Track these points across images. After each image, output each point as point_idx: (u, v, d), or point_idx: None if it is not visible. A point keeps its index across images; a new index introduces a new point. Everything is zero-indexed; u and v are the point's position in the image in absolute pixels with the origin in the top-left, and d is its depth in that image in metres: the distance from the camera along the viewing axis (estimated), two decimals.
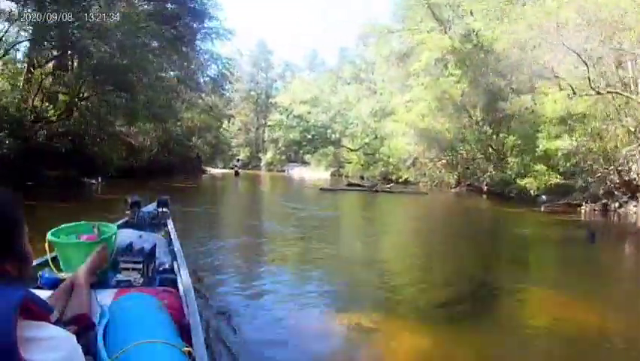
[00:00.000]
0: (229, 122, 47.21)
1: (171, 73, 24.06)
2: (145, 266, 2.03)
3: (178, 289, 1.95)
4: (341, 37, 74.06)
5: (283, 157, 50.59)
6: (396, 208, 14.11)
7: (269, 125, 49.82)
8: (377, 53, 32.48)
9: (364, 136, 35.25)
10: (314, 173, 39.87)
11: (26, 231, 0.95)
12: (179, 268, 2.24)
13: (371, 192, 18.21)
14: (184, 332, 1.56)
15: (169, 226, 3.28)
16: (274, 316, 3.09)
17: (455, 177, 22.14)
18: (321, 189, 18.11)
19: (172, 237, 2.96)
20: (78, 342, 0.90)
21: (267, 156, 51.95)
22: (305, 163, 47.19)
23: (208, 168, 34.98)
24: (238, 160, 39.40)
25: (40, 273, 1.94)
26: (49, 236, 2.07)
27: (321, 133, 40.57)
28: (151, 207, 3.72)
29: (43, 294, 1.37)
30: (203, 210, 9.97)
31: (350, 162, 36.96)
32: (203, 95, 29.15)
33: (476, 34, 18.89)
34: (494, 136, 19.29)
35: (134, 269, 1.99)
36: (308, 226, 8.11)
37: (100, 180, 14.64)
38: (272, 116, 49.23)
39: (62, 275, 1.91)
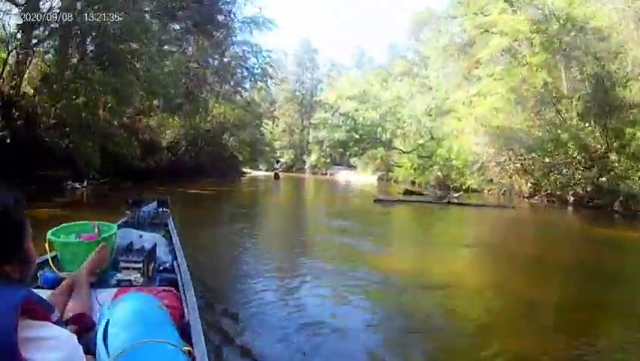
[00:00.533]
0: (273, 123, 49.68)
1: (203, 63, 24.66)
2: (145, 266, 2.30)
3: (178, 289, 2.20)
4: (390, 33, 78.74)
5: (328, 160, 52.49)
6: (486, 232, 10.80)
7: (312, 124, 51.80)
8: (432, 46, 33.38)
9: (418, 137, 35.24)
10: (360, 177, 40.97)
11: (30, 233, 1.07)
12: (179, 268, 2.51)
13: (440, 204, 15.92)
14: (184, 332, 1.76)
15: (169, 226, 3.64)
16: None
17: (530, 184, 21.26)
18: (375, 200, 15.89)
19: (172, 236, 3.28)
20: (78, 342, 1.01)
21: (311, 159, 54.39)
22: (350, 166, 48.73)
23: (248, 170, 36.44)
24: (278, 162, 40.89)
25: (40, 272, 2.22)
26: (49, 235, 2.38)
27: (370, 132, 40.74)
28: (151, 206, 4.12)
29: (43, 293, 1.61)
30: (215, 235, 7.98)
31: (400, 166, 36.96)
32: (240, 89, 30.06)
33: (555, 14, 18.21)
34: (599, 133, 17.70)
35: (134, 269, 2.27)
36: (368, 277, 5.26)
37: (85, 183, 13.54)
38: (316, 115, 51.17)
39: (62, 274, 2.19)
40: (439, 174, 29.59)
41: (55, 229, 2.47)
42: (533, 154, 20.45)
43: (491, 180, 23.46)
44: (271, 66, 32.12)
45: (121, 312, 1.62)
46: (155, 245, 2.52)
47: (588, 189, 17.07)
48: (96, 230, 2.53)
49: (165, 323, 1.63)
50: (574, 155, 18.51)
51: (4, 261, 0.99)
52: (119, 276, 2.26)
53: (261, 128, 38.74)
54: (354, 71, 57.65)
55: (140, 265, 2.29)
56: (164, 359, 1.42)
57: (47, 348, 0.91)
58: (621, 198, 15.27)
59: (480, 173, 23.92)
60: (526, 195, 20.90)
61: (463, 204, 16.18)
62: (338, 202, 18.41)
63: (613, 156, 16.81)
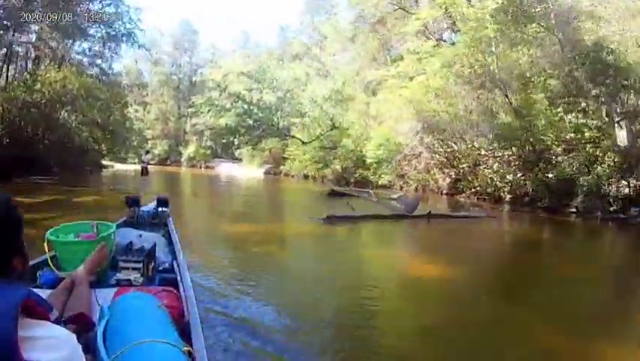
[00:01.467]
0: (145, 109, 50.70)
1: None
2: (145, 265, 2.84)
3: (178, 289, 2.72)
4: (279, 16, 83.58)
5: (208, 151, 56.11)
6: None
7: (192, 105, 50.74)
8: (332, 26, 35.88)
9: (318, 125, 36.69)
10: (244, 170, 43.15)
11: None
12: (179, 268, 3.07)
13: (415, 219, 13.16)
14: (184, 332, 2.12)
15: (169, 226, 4.22)
16: None
17: (449, 180, 22.46)
18: (325, 218, 11.73)
19: (172, 236, 3.86)
20: (78, 341, 1.16)
21: (189, 150, 57.78)
22: (235, 159, 51.48)
23: (111, 163, 35.58)
24: (148, 152, 39.47)
25: (39, 272, 2.71)
26: (48, 235, 2.86)
27: (267, 118, 40.99)
28: (151, 206, 4.68)
29: (43, 293, 1.92)
30: None
31: (292, 159, 38.33)
32: (95, 55, 28.85)
33: None
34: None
35: (133, 268, 2.80)
36: None
37: None
38: (199, 98, 50.75)
39: (62, 274, 2.66)
40: (337, 167, 31.74)
41: (53, 228, 2.97)
42: (464, 145, 21.46)
43: (403, 176, 24.72)
44: (141, 30, 31.08)
45: (120, 312, 1.95)
46: (155, 245, 3.07)
47: (534, 187, 17.78)
48: (95, 230, 3.07)
49: (165, 323, 1.95)
50: (527, 147, 18.84)
51: (14, 253, 1.19)
52: (119, 276, 2.77)
53: (127, 111, 37.51)
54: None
55: (140, 265, 2.82)
56: (164, 359, 1.68)
57: (46, 348, 1.04)
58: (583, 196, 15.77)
59: (397, 166, 24.94)
60: (445, 192, 22.07)
61: (445, 216, 14.21)
62: (259, 227, 11.82)
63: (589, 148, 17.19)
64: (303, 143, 37.29)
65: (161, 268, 3.07)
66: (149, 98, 58.41)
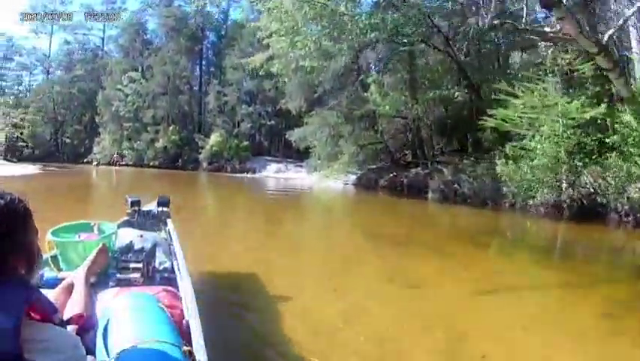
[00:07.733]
0: (142, 76, 33.49)
1: None
2: (145, 265, 2.86)
3: (178, 289, 2.74)
4: None
5: (245, 143, 35.27)
6: None
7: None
8: None
9: None
10: (318, 180, 23.81)
11: (36, 230, 1.28)
12: (179, 268, 3.07)
13: None
14: (184, 332, 2.13)
15: (169, 226, 4.20)
16: None
17: None
18: None
19: (172, 236, 3.85)
20: None
21: (211, 142, 35.37)
22: (288, 158, 32.86)
23: None
24: None
25: (39, 272, 2.67)
26: (49, 235, 2.86)
27: None
28: (151, 206, 4.67)
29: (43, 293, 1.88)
30: None
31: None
32: None
33: None
34: None
35: (134, 268, 2.81)
36: None
37: None
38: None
39: (62, 274, 2.66)
40: None
41: (55, 228, 2.97)
42: None
43: None
44: None
45: (121, 312, 1.95)
46: (155, 245, 3.09)
47: None
48: (96, 230, 3.07)
49: (165, 323, 1.95)
50: None
51: (9, 250, 1.15)
52: (119, 276, 2.78)
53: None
54: None
55: (140, 265, 2.83)
56: (164, 359, 1.68)
57: (49, 350, 1.07)
58: None
59: None
60: None
61: None
62: None
63: None
64: None
65: (161, 268, 3.08)
66: (152, 60, 37.80)
